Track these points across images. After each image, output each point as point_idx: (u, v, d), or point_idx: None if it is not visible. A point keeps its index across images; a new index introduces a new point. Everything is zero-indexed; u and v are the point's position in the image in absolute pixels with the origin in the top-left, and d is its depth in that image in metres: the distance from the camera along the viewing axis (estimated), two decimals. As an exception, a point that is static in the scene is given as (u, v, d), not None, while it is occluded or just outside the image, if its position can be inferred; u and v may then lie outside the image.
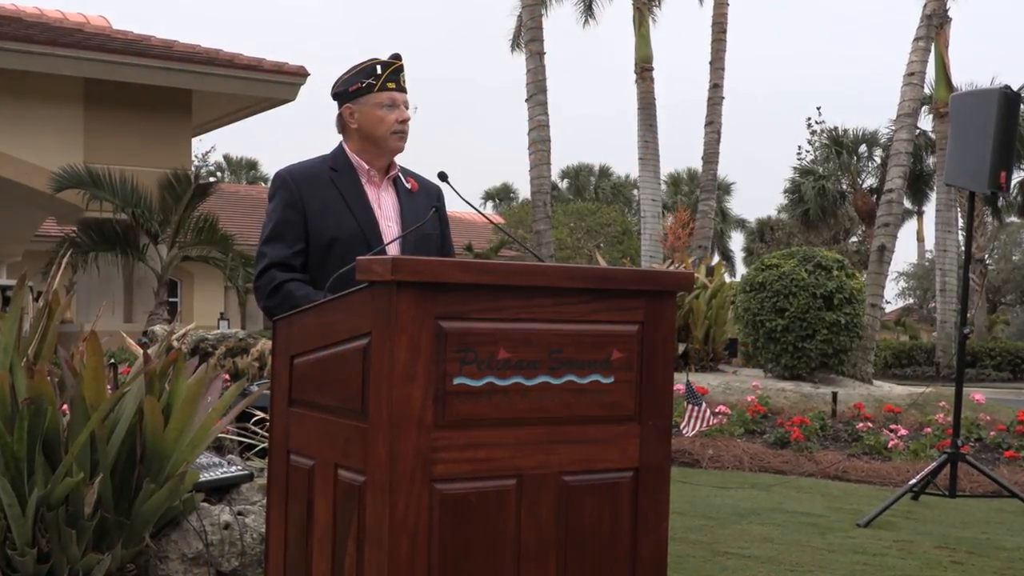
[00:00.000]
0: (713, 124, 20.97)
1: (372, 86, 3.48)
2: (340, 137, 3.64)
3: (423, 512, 2.34)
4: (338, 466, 2.52)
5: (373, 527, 2.35)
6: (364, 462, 2.39)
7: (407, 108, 3.54)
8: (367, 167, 3.56)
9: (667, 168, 50.90)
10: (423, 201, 3.64)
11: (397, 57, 3.53)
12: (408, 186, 3.63)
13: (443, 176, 3.60)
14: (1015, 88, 7.30)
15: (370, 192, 3.55)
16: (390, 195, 3.59)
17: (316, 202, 3.47)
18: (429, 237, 3.57)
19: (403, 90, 3.53)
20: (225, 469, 4.66)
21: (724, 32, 21.17)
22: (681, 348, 14.11)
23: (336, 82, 3.57)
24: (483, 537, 2.42)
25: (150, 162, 18.09)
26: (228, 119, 21.83)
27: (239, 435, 5.87)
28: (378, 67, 3.50)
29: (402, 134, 3.53)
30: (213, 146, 48.67)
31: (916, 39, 16.40)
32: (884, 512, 6.95)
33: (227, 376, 9.01)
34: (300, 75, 19.39)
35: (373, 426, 2.36)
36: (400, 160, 3.68)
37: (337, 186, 3.51)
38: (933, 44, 18.90)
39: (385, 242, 3.46)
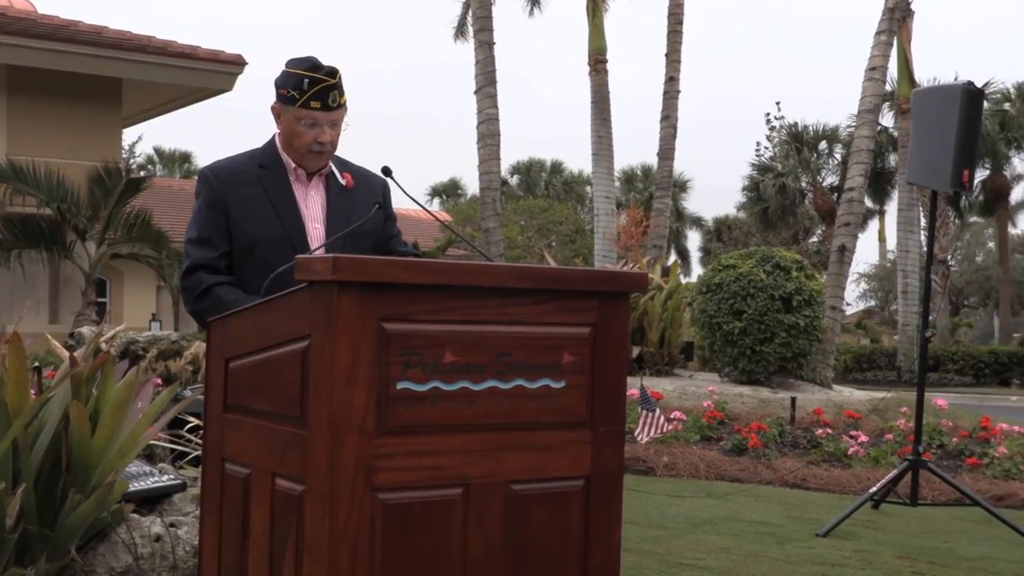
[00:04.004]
0: (669, 119, 21.08)
1: (295, 100, 3.38)
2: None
3: (365, 522, 2.33)
4: (275, 474, 2.50)
5: (312, 538, 2.34)
6: (303, 470, 2.38)
7: (332, 127, 3.43)
8: (295, 165, 3.50)
9: (621, 164, 51.11)
10: (361, 196, 3.56)
11: (331, 74, 3.40)
12: (342, 182, 3.55)
13: (387, 171, 3.58)
14: (978, 84, 7.38)
15: (298, 191, 3.50)
16: (319, 194, 3.53)
17: (240, 203, 3.42)
18: (364, 235, 3.48)
19: (330, 108, 3.41)
20: (156, 478, 4.62)
21: (680, 24, 21.29)
22: (635, 351, 14.16)
23: (279, 73, 3.52)
24: (428, 548, 2.42)
25: (78, 154, 17.90)
26: (161, 109, 21.65)
27: (171, 442, 5.83)
28: (306, 81, 3.37)
29: (320, 154, 3.45)
30: (140, 136, 48.11)
31: (878, 32, 16.58)
32: (844, 521, 7.02)
33: (159, 380, 8.93)
34: (237, 64, 19.27)
35: (312, 432, 2.35)
36: (342, 152, 3.64)
37: (263, 185, 3.45)
38: (896, 38, 19.15)
39: (311, 244, 3.41)
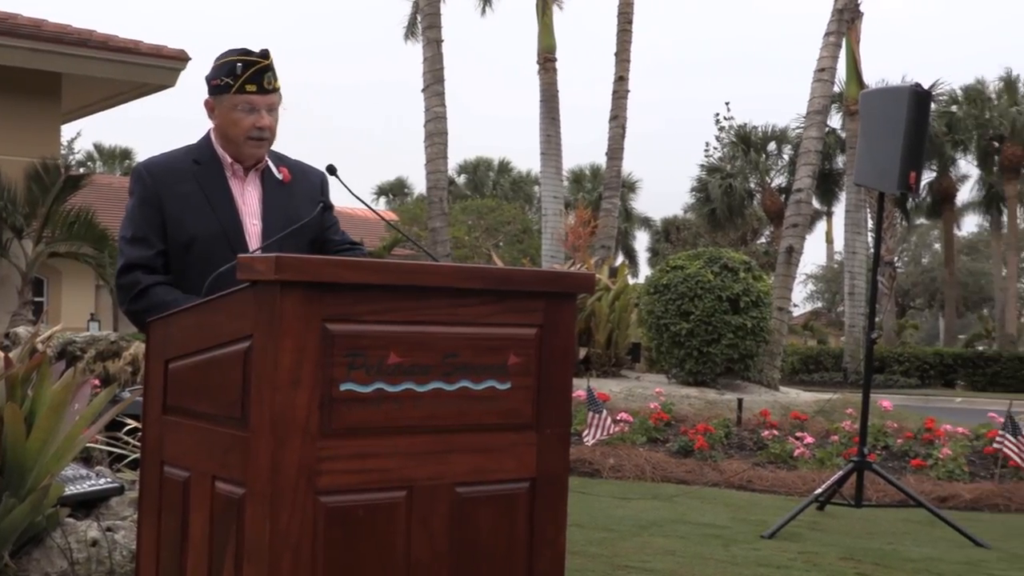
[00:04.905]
0: (618, 119, 21.16)
1: (230, 86, 3.35)
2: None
3: (307, 526, 2.32)
4: (216, 477, 2.48)
5: (253, 542, 2.33)
6: (244, 473, 2.36)
7: (270, 112, 3.40)
8: (231, 160, 3.45)
9: (570, 164, 51.21)
10: (298, 190, 3.52)
11: (264, 55, 3.38)
12: (279, 177, 3.51)
13: (332, 169, 3.54)
14: (926, 86, 7.47)
15: (234, 187, 3.45)
16: (256, 189, 3.48)
17: (174, 200, 3.37)
18: (302, 228, 3.42)
19: (267, 91, 3.38)
20: (93, 482, 4.58)
21: (630, 23, 21.38)
22: (582, 353, 14.21)
23: (210, 68, 3.49)
24: (371, 552, 2.41)
25: (15, 150, 17.63)
26: (101, 105, 21.38)
27: (109, 445, 5.77)
28: (239, 65, 3.34)
29: (259, 140, 3.41)
30: (79, 132, 47.60)
31: (827, 34, 16.75)
32: (789, 523, 7.08)
33: (97, 381, 8.82)
34: (180, 59, 19.07)
35: (254, 434, 2.33)
36: (285, 150, 3.61)
37: (199, 181, 3.40)
38: (844, 40, 19.36)
39: (249, 241, 3.37)
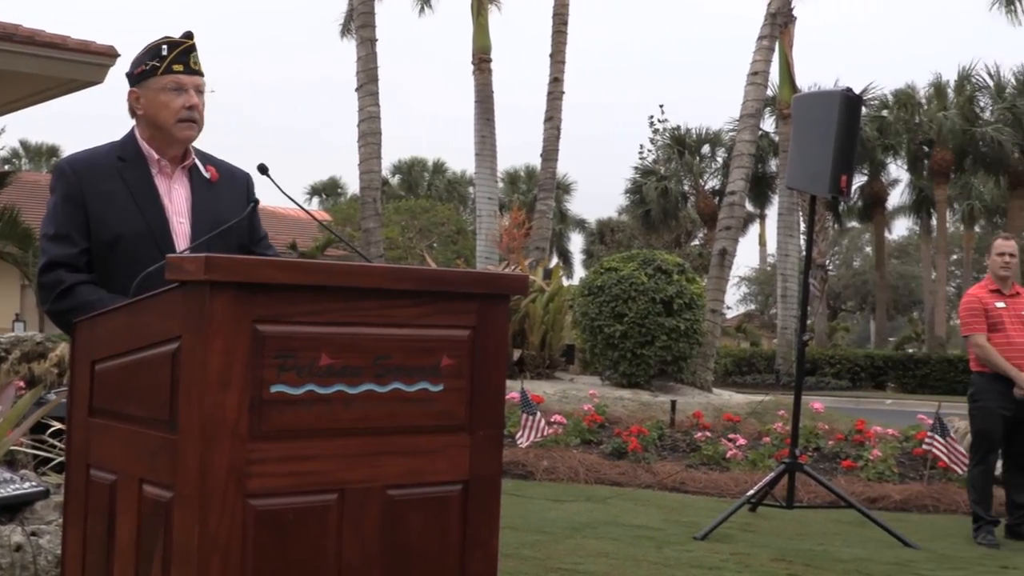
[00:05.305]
0: (553, 120, 21.21)
1: (156, 68, 3.33)
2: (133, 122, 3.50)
3: (236, 529, 2.30)
4: (143, 481, 2.46)
5: (181, 546, 2.30)
6: (172, 476, 2.34)
7: (199, 93, 3.39)
8: (157, 156, 3.40)
9: (505, 165, 51.26)
10: (225, 191, 3.49)
11: (188, 36, 3.38)
12: (207, 175, 3.46)
13: (263, 168, 3.50)
14: (857, 90, 7.57)
15: (161, 184, 3.39)
16: (184, 187, 3.43)
17: (98, 197, 3.31)
18: (229, 231, 3.37)
19: (194, 73, 3.38)
20: (17, 485, 4.51)
21: (565, 24, 21.45)
22: (516, 354, 14.23)
23: (129, 63, 3.46)
24: (302, 555, 2.40)
25: (-63, 146, 17.33)
26: (27, 101, 21.00)
27: (34, 448, 5.69)
28: (164, 47, 3.34)
29: (190, 122, 3.37)
30: (4, 127, 46.75)
31: (760, 38, 16.92)
32: (721, 524, 7.14)
33: (21, 383, 8.71)
34: (109, 55, 18.78)
35: (183, 437, 2.31)
36: (214, 149, 3.57)
37: (124, 178, 3.35)
38: (778, 43, 19.57)
39: (176, 240, 3.33)
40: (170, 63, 3.34)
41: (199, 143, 3.50)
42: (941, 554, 6.89)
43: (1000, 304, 7.56)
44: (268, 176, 3.49)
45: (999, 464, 7.73)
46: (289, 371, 2.37)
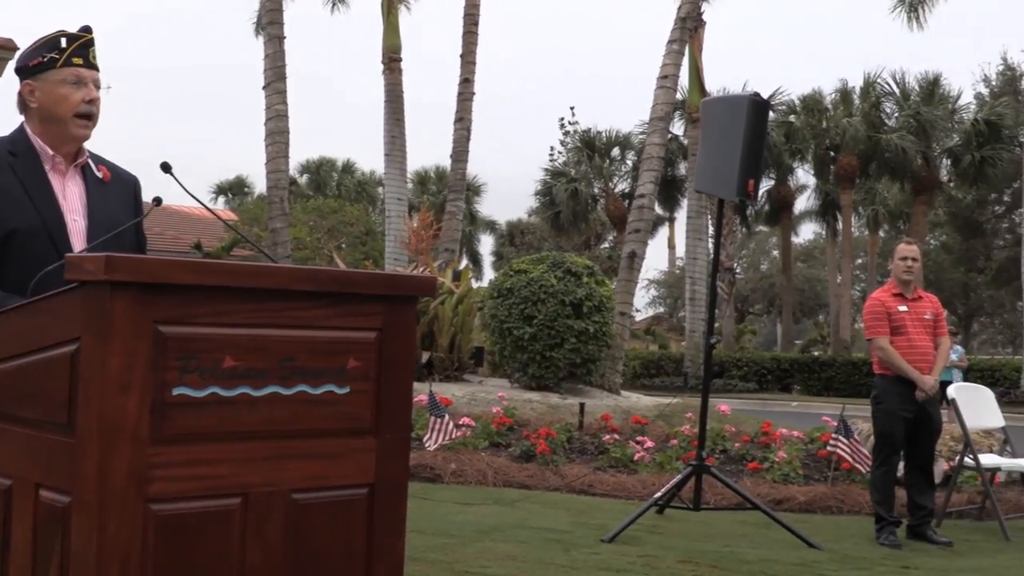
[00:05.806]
0: (463, 121, 21.18)
1: (55, 60, 3.27)
2: (22, 118, 3.40)
3: (137, 535, 2.27)
4: (39, 486, 2.41)
5: (79, 552, 2.26)
6: (70, 481, 2.30)
7: (97, 88, 3.34)
8: (51, 152, 3.33)
9: (415, 165, 51.04)
10: (117, 192, 3.44)
11: (87, 30, 3.34)
12: (99, 175, 3.41)
13: (166, 167, 3.44)
14: (766, 95, 7.68)
15: (55, 181, 3.32)
16: (77, 185, 3.37)
17: None
18: (121, 235, 3.32)
19: (92, 67, 3.33)
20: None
21: (476, 24, 21.43)
22: (425, 357, 14.20)
23: (19, 56, 3.38)
24: (204, 561, 2.37)
25: None
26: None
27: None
28: (63, 40, 3.29)
29: (88, 117, 3.32)
30: None
31: (670, 41, 17.06)
32: (629, 527, 7.20)
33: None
34: (7, 48, 18.44)
35: (81, 441, 2.27)
36: (110, 147, 3.51)
37: (16, 172, 3.26)
38: (687, 47, 19.77)
39: (71, 237, 3.26)
40: (69, 56, 3.28)
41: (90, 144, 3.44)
42: (844, 554, 7.01)
43: (903, 308, 7.71)
44: (171, 175, 3.44)
45: (901, 465, 7.89)
46: (192, 373, 2.34)
